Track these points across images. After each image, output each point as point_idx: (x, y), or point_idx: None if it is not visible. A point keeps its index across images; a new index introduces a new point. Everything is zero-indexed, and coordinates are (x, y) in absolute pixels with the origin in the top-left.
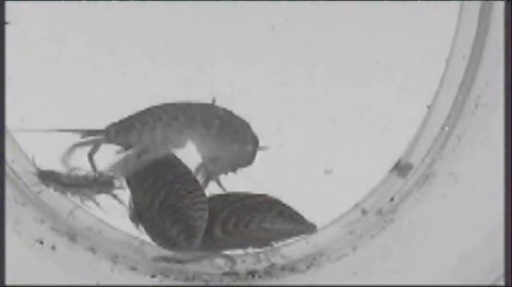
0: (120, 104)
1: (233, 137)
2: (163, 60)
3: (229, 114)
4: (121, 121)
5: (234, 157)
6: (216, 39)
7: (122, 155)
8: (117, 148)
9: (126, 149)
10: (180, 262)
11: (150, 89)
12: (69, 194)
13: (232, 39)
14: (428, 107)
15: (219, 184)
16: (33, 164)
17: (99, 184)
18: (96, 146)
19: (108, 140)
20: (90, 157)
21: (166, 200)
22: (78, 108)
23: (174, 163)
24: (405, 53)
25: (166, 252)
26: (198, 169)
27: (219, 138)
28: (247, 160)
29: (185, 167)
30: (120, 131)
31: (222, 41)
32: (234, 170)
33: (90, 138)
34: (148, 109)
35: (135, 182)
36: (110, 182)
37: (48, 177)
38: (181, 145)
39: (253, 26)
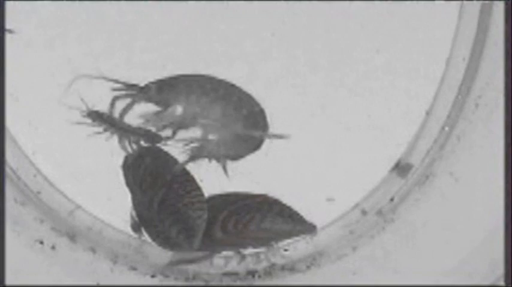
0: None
1: (249, 126)
2: (161, 65)
3: (261, 111)
4: (162, 80)
5: (233, 145)
6: (214, 44)
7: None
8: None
9: (163, 108)
10: (192, 261)
11: None
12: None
13: (232, 45)
14: (427, 113)
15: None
16: (84, 104)
17: (146, 135)
18: (129, 105)
19: (147, 98)
20: (122, 115)
21: (165, 200)
22: (78, 107)
23: (172, 163)
24: (405, 53)
25: (179, 255)
26: (192, 140)
27: (238, 121)
28: (239, 154)
29: (183, 167)
30: (163, 88)
31: (220, 46)
32: (218, 158)
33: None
34: (193, 75)
35: (133, 182)
36: (157, 137)
37: (99, 116)
38: (205, 117)
39: (253, 32)
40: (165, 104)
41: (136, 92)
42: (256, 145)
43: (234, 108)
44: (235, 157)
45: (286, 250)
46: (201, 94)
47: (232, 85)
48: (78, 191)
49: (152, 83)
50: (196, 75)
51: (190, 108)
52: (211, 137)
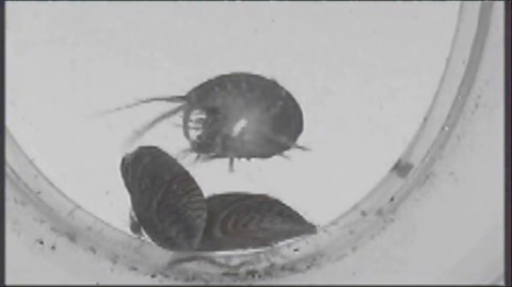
0: (119, 104)
1: (278, 129)
2: (158, 64)
3: (300, 113)
4: (201, 86)
5: (260, 144)
6: (203, 44)
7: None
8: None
9: (210, 114)
10: (192, 259)
11: (144, 91)
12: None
13: (219, 45)
14: (427, 113)
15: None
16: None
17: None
18: (186, 113)
19: (191, 107)
20: (184, 125)
21: (164, 200)
22: (78, 108)
23: (171, 163)
24: (405, 53)
25: (177, 255)
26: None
27: (273, 122)
28: (264, 154)
29: (181, 167)
30: (201, 96)
31: (208, 46)
32: (245, 156)
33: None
34: (229, 75)
35: (132, 183)
36: None
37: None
38: (237, 117)
39: (236, 30)
40: (209, 110)
41: (183, 102)
42: (282, 148)
43: (267, 108)
44: (261, 156)
45: (296, 250)
46: (237, 95)
47: (272, 81)
48: (78, 191)
49: (193, 89)
50: (229, 74)
51: (227, 111)
52: (240, 134)
